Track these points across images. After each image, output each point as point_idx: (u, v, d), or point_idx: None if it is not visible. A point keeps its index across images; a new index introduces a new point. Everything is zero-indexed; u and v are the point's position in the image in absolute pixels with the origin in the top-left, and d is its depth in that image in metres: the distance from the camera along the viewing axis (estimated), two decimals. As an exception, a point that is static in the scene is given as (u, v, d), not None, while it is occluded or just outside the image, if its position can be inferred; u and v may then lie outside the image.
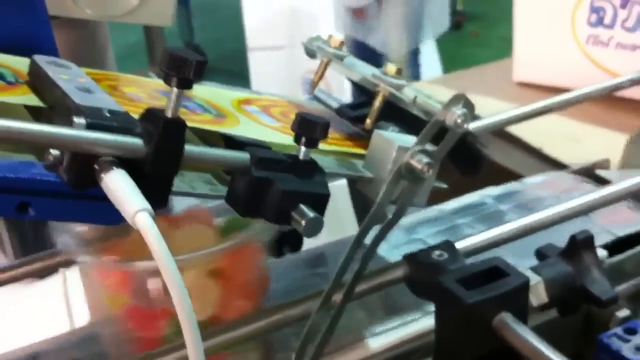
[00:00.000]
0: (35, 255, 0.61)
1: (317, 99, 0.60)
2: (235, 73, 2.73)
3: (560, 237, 0.51)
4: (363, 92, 0.57)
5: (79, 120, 0.34)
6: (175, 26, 3.11)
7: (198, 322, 0.31)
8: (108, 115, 0.35)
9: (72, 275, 1.01)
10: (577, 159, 0.87)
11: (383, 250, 0.61)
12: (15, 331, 1.38)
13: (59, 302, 1.03)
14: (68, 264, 0.65)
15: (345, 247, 0.43)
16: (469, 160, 0.51)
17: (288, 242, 0.69)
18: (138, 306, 0.51)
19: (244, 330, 0.48)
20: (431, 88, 1.15)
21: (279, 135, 0.46)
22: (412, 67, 2.24)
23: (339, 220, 1.27)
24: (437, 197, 0.64)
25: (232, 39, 2.05)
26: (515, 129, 0.97)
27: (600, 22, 0.99)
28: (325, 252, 0.67)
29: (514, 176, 0.81)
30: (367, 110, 0.54)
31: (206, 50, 3.07)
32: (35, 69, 0.41)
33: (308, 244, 0.67)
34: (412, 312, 0.58)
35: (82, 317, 1.04)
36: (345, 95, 1.78)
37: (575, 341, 0.61)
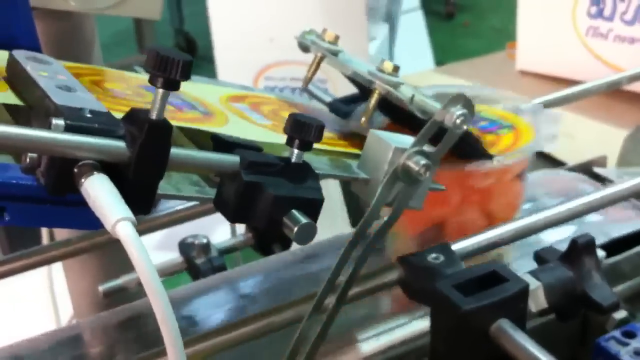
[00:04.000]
0: (23, 252, 0.59)
1: (309, 93, 0.59)
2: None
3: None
4: (358, 87, 0.55)
5: (58, 121, 0.32)
6: (165, 14, 3.07)
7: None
8: (89, 116, 0.33)
9: (58, 270, 1.00)
10: (572, 155, 0.85)
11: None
12: (1, 327, 1.37)
13: (45, 297, 1.02)
14: (54, 260, 0.64)
15: (336, 247, 0.42)
16: (468, 150, 0.49)
17: (277, 240, 0.67)
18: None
19: (232, 334, 0.46)
20: (429, 79, 1.15)
21: (269, 134, 0.44)
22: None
23: (331, 217, 1.26)
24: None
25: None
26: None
27: (600, 14, 0.98)
28: (317, 250, 0.66)
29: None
30: (360, 105, 0.53)
31: (196, 39, 3.04)
32: (13, 65, 0.39)
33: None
34: (405, 314, 0.56)
35: (66, 311, 1.03)
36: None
37: (571, 343, 0.59)
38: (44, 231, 0.85)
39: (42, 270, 1.00)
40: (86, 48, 0.62)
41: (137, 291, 0.68)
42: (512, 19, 1.24)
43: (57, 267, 1.00)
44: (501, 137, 0.56)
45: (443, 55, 2.61)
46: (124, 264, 0.80)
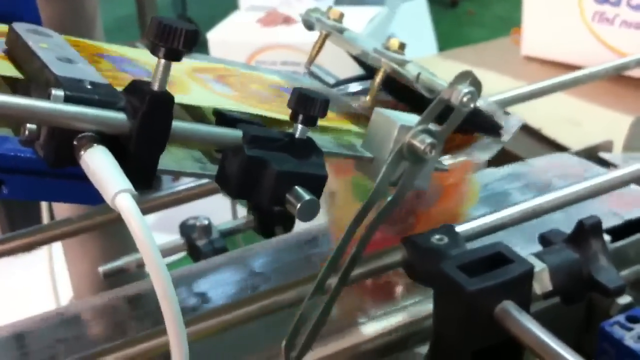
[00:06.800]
0: (23, 231, 0.59)
1: (312, 74, 0.58)
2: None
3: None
4: (362, 66, 0.55)
5: (57, 92, 0.31)
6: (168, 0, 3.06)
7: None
8: (89, 87, 0.33)
9: (58, 251, 1.00)
10: (577, 141, 0.85)
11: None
12: (1, 309, 1.36)
13: (45, 277, 1.02)
14: (54, 239, 0.63)
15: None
16: (484, 128, 0.48)
17: (279, 222, 0.67)
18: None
19: (233, 314, 0.46)
20: (434, 64, 1.14)
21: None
22: None
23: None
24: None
25: (225, 15, 2.02)
26: (513, 110, 0.95)
27: (606, -1, 0.97)
28: (320, 232, 0.65)
29: (514, 158, 0.79)
30: (365, 86, 0.52)
31: (199, 25, 3.03)
32: (13, 37, 0.39)
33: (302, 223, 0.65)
34: (408, 296, 0.56)
35: (66, 293, 1.03)
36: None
37: (574, 328, 0.59)
38: (44, 210, 0.84)
39: (43, 252, 0.99)
40: (88, 26, 0.62)
41: (137, 273, 0.68)
42: (517, 8, 1.23)
43: (58, 249, 1.00)
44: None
45: (447, 44, 2.59)
46: (123, 245, 0.80)
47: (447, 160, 0.50)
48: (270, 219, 0.67)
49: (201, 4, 3.20)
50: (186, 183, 0.62)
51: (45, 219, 0.84)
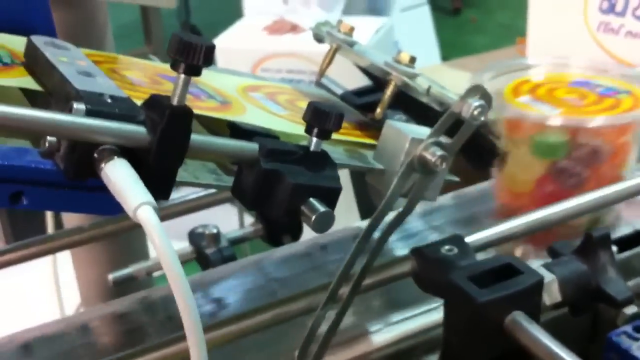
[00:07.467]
0: (27, 240, 0.59)
1: (320, 85, 0.58)
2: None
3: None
4: (372, 79, 0.55)
5: (79, 106, 0.32)
6: (172, 6, 3.07)
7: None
8: (109, 101, 0.33)
9: (62, 258, 1.00)
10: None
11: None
12: (5, 317, 1.36)
13: (49, 286, 1.02)
14: (59, 249, 0.64)
15: (347, 238, 0.42)
16: (482, 152, 0.49)
17: (287, 231, 0.67)
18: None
19: (245, 323, 0.46)
20: (437, 73, 1.14)
21: (286, 123, 0.44)
22: None
23: (340, 209, 1.26)
24: (449, 190, 0.62)
25: (229, 22, 2.03)
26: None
27: (611, 9, 0.98)
28: (327, 242, 0.66)
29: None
30: (373, 98, 0.52)
31: (203, 32, 3.04)
32: (32, 50, 0.39)
33: (308, 233, 0.66)
34: (416, 306, 0.56)
35: (72, 302, 1.03)
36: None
37: (581, 338, 0.59)
38: (49, 220, 0.85)
39: (47, 261, 1.00)
40: (99, 36, 0.62)
41: (146, 280, 0.68)
42: (520, 15, 1.23)
43: (62, 258, 1.00)
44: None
45: (450, 51, 2.60)
46: (132, 252, 0.81)
47: (613, 119, 0.58)
48: (278, 228, 0.68)
49: (205, 10, 3.21)
50: (196, 192, 0.63)
51: (50, 227, 0.84)
